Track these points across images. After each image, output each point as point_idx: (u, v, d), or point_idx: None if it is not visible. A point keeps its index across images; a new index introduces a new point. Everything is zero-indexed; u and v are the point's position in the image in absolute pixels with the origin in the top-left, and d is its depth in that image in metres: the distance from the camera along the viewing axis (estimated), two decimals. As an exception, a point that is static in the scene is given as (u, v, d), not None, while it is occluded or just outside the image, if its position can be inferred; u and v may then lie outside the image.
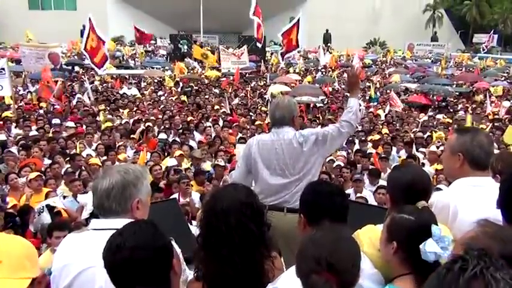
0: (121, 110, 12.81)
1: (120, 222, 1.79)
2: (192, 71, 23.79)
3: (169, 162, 7.69)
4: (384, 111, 14.23)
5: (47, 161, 7.57)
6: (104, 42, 14.47)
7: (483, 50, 39.19)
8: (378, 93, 18.19)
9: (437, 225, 1.73)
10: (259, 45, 19.48)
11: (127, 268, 1.43)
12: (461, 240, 1.47)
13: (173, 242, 1.92)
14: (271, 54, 34.90)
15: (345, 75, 24.51)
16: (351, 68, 3.87)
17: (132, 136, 9.42)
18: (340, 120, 3.54)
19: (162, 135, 9.70)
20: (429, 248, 1.65)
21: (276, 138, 3.33)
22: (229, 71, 21.73)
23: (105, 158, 7.80)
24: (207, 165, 7.68)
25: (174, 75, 21.03)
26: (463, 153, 2.28)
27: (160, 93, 16.99)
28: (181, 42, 30.35)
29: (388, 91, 18.79)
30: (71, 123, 10.43)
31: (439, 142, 9.16)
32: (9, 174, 6.27)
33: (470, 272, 0.99)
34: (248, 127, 10.69)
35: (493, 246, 1.32)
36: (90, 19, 14.00)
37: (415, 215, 1.78)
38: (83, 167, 7.19)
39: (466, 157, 2.27)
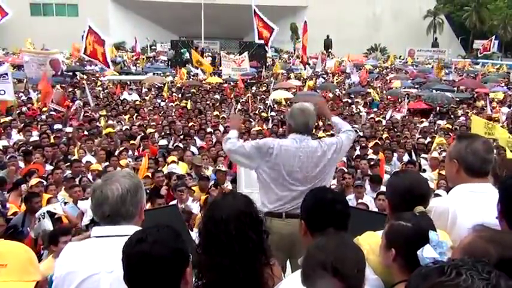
0: (122, 116, 12.83)
1: (122, 229, 1.81)
2: (193, 77, 23.85)
3: (170, 168, 7.69)
4: (386, 117, 14.23)
5: (48, 167, 7.58)
6: (102, 43, 14.71)
7: (480, 53, 39.17)
8: (378, 99, 18.18)
9: (435, 231, 1.73)
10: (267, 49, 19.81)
11: (143, 262, 1.45)
12: (459, 246, 1.48)
13: None
14: (272, 60, 35.03)
15: (347, 81, 24.63)
16: (316, 102, 3.92)
17: (132, 142, 9.43)
18: (345, 130, 3.63)
19: (163, 142, 9.68)
20: (427, 254, 1.66)
21: (299, 146, 3.30)
22: (230, 77, 21.77)
23: (107, 163, 7.82)
24: (208, 171, 7.70)
25: (172, 82, 21.06)
26: (457, 160, 2.30)
27: (159, 100, 17.02)
28: (182, 50, 30.43)
29: (388, 97, 18.83)
30: (70, 129, 10.45)
31: (440, 148, 9.15)
32: (19, 182, 6.30)
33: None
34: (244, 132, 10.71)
35: (492, 251, 1.33)
36: (89, 24, 14.34)
37: (413, 222, 1.79)
38: (84, 173, 7.20)
39: (461, 164, 2.29)
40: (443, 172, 7.25)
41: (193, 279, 1.90)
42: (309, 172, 3.28)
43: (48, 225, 5.00)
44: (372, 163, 7.89)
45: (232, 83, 20.85)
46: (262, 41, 18.28)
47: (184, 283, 1.53)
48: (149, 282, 1.45)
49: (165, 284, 1.48)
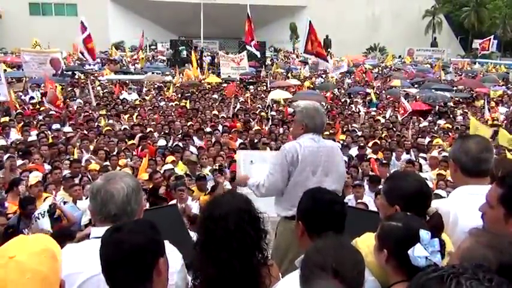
0: (122, 115, 12.80)
1: None
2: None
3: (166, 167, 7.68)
4: (385, 117, 14.22)
5: (47, 167, 7.56)
6: (87, 40, 14.89)
7: (479, 52, 39.16)
8: (375, 100, 18.07)
9: (427, 230, 1.72)
10: (257, 52, 19.98)
11: (118, 249, 1.49)
12: (457, 252, 1.46)
13: (175, 248, 1.94)
14: (271, 60, 35.02)
15: (346, 80, 24.61)
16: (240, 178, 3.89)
17: (132, 142, 9.41)
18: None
19: (162, 142, 9.65)
20: (418, 253, 1.65)
21: (319, 145, 3.34)
22: (229, 76, 21.73)
23: (106, 163, 7.81)
24: (205, 170, 7.70)
25: (172, 81, 21.01)
26: (453, 160, 2.32)
27: (159, 98, 17.01)
28: (180, 48, 30.38)
29: (388, 96, 18.83)
30: (69, 129, 10.44)
31: (439, 148, 9.16)
32: (16, 181, 6.30)
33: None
34: (241, 131, 10.72)
35: (490, 256, 1.32)
36: (81, 22, 14.52)
37: (403, 221, 1.78)
38: (84, 173, 7.19)
39: (457, 164, 2.30)
40: (442, 172, 7.26)
41: (191, 278, 1.90)
42: (331, 171, 3.34)
43: (46, 224, 5.00)
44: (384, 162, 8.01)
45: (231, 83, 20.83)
46: (252, 48, 18.60)
47: (157, 274, 1.54)
48: (123, 270, 1.49)
49: (138, 273, 1.50)
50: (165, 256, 1.59)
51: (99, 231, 1.87)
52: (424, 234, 1.69)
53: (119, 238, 1.50)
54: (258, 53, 20.71)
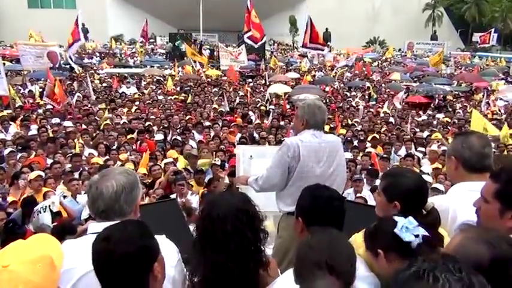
0: (120, 109, 12.78)
1: None
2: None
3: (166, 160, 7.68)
4: (385, 111, 14.19)
5: (49, 161, 7.58)
6: (76, 36, 14.84)
7: (478, 44, 39.01)
8: (375, 95, 18.01)
9: (399, 216, 1.77)
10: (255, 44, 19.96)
11: (109, 259, 1.49)
12: (448, 249, 1.45)
13: (171, 242, 1.94)
14: (271, 53, 34.92)
15: (346, 74, 24.54)
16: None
17: (130, 136, 9.40)
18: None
19: (159, 136, 9.64)
20: (401, 228, 1.69)
21: (320, 140, 3.37)
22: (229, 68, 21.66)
23: (107, 157, 7.82)
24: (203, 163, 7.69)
25: (172, 75, 20.95)
26: (455, 156, 2.31)
27: (158, 92, 16.96)
28: (177, 42, 30.20)
29: (387, 90, 18.79)
30: (69, 123, 10.43)
31: (438, 142, 9.16)
32: (16, 175, 6.32)
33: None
34: (242, 125, 10.71)
35: (483, 251, 1.33)
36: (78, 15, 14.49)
37: (377, 223, 1.85)
38: (85, 167, 7.20)
39: (459, 160, 2.30)
40: (439, 166, 7.29)
41: (188, 276, 1.91)
42: (333, 166, 3.38)
43: (47, 219, 5.01)
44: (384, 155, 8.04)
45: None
46: (248, 40, 18.62)
47: (153, 278, 1.55)
48: (116, 277, 1.51)
49: (132, 280, 1.51)
50: (160, 257, 1.59)
51: (96, 226, 1.88)
52: (398, 218, 1.73)
53: (107, 248, 1.50)
54: (255, 45, 20.61)
